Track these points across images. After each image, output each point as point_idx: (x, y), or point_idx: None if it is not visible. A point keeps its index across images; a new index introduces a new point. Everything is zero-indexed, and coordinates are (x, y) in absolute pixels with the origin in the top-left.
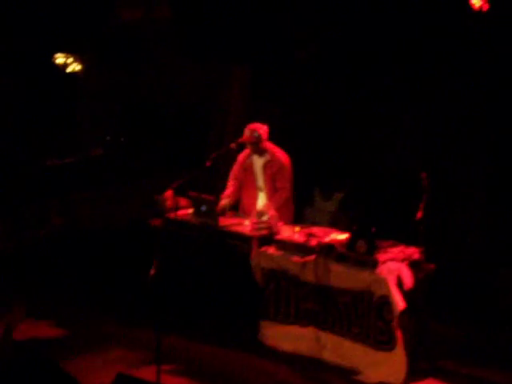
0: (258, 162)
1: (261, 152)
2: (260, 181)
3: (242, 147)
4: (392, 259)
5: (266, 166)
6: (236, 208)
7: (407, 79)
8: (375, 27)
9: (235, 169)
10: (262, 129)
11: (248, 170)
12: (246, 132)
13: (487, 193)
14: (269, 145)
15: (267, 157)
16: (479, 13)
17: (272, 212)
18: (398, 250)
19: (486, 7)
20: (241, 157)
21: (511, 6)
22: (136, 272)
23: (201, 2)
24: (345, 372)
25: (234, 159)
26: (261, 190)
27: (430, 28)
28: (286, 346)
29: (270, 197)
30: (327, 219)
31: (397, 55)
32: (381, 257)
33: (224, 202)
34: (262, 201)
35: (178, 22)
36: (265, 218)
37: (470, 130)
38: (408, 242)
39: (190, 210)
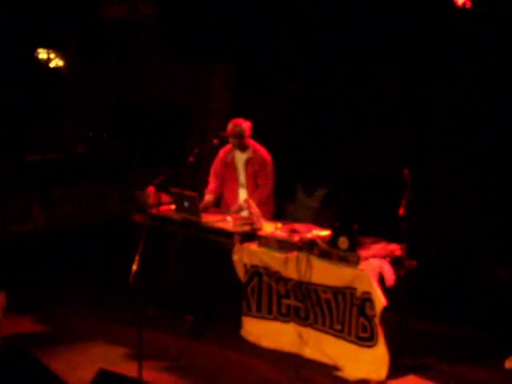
0: (240, 158)
1: (243, 148)
2: (242, 177)
3: (224, 143)
4: (374, 256)
5: (248, 163)
6: (218, 204)
7: (393, 76)
8: (360, 24)
9: (216, 164)
10: (246, 124)
11: (230, 165)
12: (230, 126)
13: (470, 190)
14: (251, 142)
15: (249, 153)
16: (463, 10)
17: (254, 208)
18: (380, 247)
19: (468, 4)
20: (222, 152)
21: (494, 2)
22: (118, 268)
23: None
24: (326, 368)
25: (216, 155)
26: (242, 186)
27: (416, 26)
28: (268, 341)
29: (251, 193)
30: (309, 215)
31: (382, 52)
32: (363, 253)
33: (208, 197)
34: (243, 197)
35: (162, 19)
36: (244, 213)
37: (456, 128)
38: (390, 238)
39: (173, 206)
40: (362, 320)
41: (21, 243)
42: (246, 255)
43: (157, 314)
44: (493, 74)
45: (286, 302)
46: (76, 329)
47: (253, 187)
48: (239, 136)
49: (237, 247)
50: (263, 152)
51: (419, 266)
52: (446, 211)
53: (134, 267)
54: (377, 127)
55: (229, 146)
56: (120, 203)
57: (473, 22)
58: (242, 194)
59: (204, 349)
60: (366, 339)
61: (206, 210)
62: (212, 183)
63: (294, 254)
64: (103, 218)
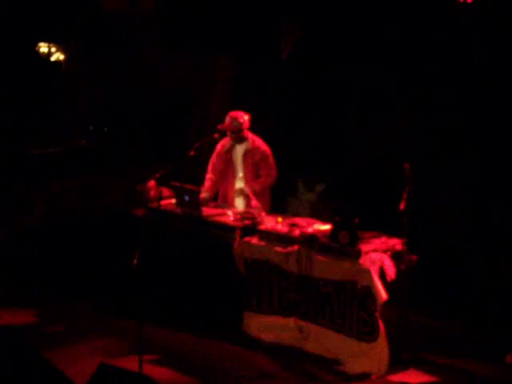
0: (239, 151)
1: (241, 140)
2: (239, 169)
3: (224, 136)
4: (375, 250)
5: (246, 155)
6: (215, 198)
7: (394, 72)
8: (362, 20)
9: (214, 159)
10: (244, 117)
11: (227, 158)
12: (227, 119)
13: (471, 184)
14: (249, 134)
15: (247, 145)
16: (464, 5)
17: (255, 202)
18: (380, 241)
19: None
20: (219, 146)
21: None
22: (118, 262)
23: None
24: (327, 362)
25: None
26: (240, 178)
27: (418, 23)
28: (269, 336)
29: (252, 182)
30: (310, 210)
31: (383, 49)
32: (363, 247)
33: (204, 194)
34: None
35: (162, 11)
36: (242, 199)
37: (458, 122)
38: (391, 232)
39: (173, 200)
40: (362, 314)
41: (21, 236)
42: (247, 249)
43: (157, 308)
44: (496, 70)
45: (286, 296)
46: (76, 322)
47: (252, 179)
48: (237, 130)
49: (238, 241)
50: (262, 143)
51: (420, 260)
52: (447, 205)
53: (135, 261)
54: (377, 121)
55: (226, 139)
56: (121, 197)
57: (474, 18)
58: (239, 186)
59: (204, 343)
60: (366, 333)
61: (203, 205)
62: (208, 180)
63: (294, 249)
64: (104, 211)
